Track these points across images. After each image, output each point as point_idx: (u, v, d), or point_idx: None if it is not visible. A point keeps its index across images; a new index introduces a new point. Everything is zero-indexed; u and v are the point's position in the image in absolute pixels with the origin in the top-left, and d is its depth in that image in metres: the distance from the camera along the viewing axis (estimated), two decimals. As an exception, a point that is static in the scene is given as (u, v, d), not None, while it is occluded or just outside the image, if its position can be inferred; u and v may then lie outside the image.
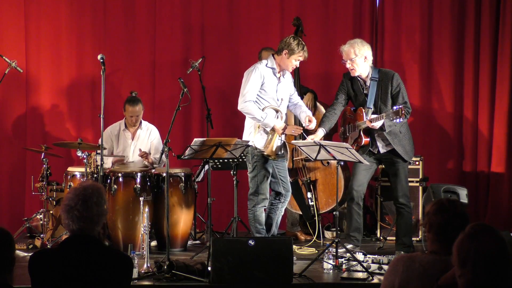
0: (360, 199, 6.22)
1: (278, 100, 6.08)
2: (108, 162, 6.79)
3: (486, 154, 7.78)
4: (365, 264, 5.42)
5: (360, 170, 6.19)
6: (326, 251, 5.60)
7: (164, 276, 5.21)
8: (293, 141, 6.65)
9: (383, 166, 6.61)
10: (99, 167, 6.13)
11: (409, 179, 6.59)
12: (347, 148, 5.67)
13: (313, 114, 6.97)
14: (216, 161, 6.67)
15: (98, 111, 6.59)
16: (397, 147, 6.12)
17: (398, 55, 7.90)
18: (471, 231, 2.70)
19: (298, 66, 6.12)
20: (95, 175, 6.22)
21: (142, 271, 5.35)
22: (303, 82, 7.13)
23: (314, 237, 6.82)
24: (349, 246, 6.03)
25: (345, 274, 5.38)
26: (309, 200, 6.92)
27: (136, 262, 5.16)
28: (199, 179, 6.80)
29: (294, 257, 5.47)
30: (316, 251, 6.38)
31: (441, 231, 3.07)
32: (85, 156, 6.19)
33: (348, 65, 6.14)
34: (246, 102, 5.97)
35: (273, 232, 6.27)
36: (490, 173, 7.76)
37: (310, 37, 7.45)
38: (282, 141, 6.11)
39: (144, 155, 6.81)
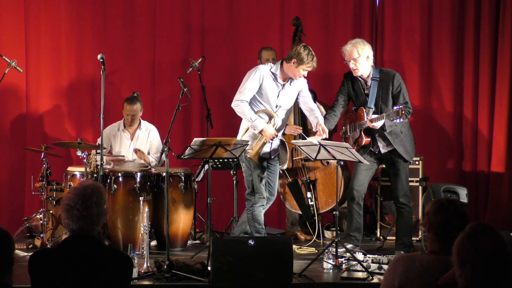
0: (360, 199, 6.23)
1: (276, 106, 6.05)
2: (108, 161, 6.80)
3: (486, 154, 7.78)
4: (365, 264, 5.42)
5: (361, 170, 6.19)
6: (326, 250, 5.60)
7: (164, 275, 5.21)
8: (293, 141, 6.66)
9: (384, 166, 6.61)
10: (99, 167, 6.13)
11: (409, 178, 6.59)
12: (347, 148, 5.67)
13: (313, 114, 6.98)
14: (216, 160, 6.67)
15: (98, 111, 6.59)
16: (398, 147, 6.12)
17: (398, 55, 7.90)
18: (470, 231, 2.70)
19: (306, 75, 6.05)
20: (95, 175, 6.22)
21: (142, 271, 5.35)
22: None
23: (314, 237, 6.82)
24: (349, 246, 6.03)
25: (345, 274, 5.38)
26: (309, 200, 6.92)
27: (136, 261, 5.16)
28: (199, 178, 6.81)
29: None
30: (316, 250, 6.38)
31: (440, 231, 3.08)
32: (85, 156, 6.19)
33: (351, 65, 6.13)
34: (239, 101, 5.97)
35: (248, 230, 6.29)
36: (490, 173, 7.76)
37: (309, 36, 7.45)
38: (273, 147, 6.13)
39: (139, 153, 6.80)
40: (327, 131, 6.05)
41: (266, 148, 6.07)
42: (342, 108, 6.36)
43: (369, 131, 6.14)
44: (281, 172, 7.02)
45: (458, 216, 3.08)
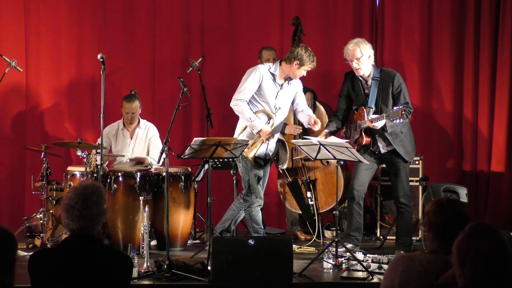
0: (361, 198, 6.22)
1: (275, 107, 6.14)
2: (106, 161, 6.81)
3: (486, 154, 7.78)
4: (365, 264, 5.42)
5: (361, 169, 6.19)
6: (326, 250, 5.60)
7: (164, 275, 5.21)
8: (293, 141, 6.66)
9: (384, 166, 6.61)
10: (99, 167, 6.13)
11: (409, 178, 6.59)
12: (347, 147, 5.67)
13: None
14: (216, 160, 6.68)
15: (98, 110, 6.59)
16: (398, 147, 6.12)
17: (398, 54, 7.89)
18: (470, 230, 2.70)
19: (305, 75, 6.20)
20: (95, 175, 6.22)
21: (142, 271, 5.35)
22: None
23: (314, 237, 6.82)
24: (349, 246, 6.02)
25: (345, 274, 5.38)
26: (309, 200, 6.92)
27: (136, 261, 5.16)
28: (199, 178, 6.80)
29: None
30: (316, 250, 6.38)
31: (440, 231, 3.08)
32: (85, 156, 6.19)
33: (354, 65, 6.11)
34: (238, 100, 6.05)
35: (231, 228, 6.33)
36: (490, 173, 7.76)
37: (309, 36, 7.45)
38: (270, 147, 6.17)
39: (136, 160, 6.79)
40: (319, 121, 6.20)
41: (262, 149, 6.11)
42: (344, 111, 6.34)
43: (370, 131, 6.14)
44: (281, 171, 7.03)
45: (458, 215, 3.08)
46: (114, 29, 7.77)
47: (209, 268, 5.12)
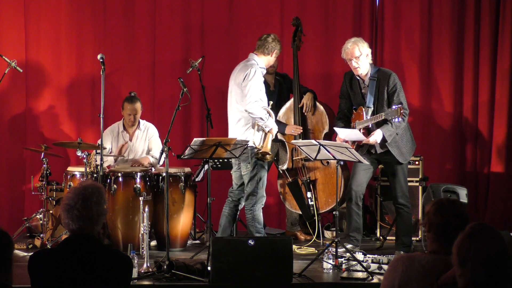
0: (359, 199, 6.21)
1: (268, 103, 6.24)
2: (109, 161, 6.80)
3: (485, 154, 7.78)
4: (364, 264, 5.42)
5: (359, 170, 6.18)
6: (326, 250, 5.60)
7: (164, 276, 5.21)
8: (293, 141, 6.66)
9: (383, 166, 6.61)
10: (99, 167, 6.12)
11: (409, 178, 6.59)
12: (347, 148, 5.67)
13: (313, 114, 7.00)
14: (216, 160, 6.68)
15: (98, 111, 6.59)
16: (392, 149, 6.10)
17: (397, 55, 7.89)
18: (470, 231, 2.70)
19: None
20: (95, 175, 6.22)
21: (142, 271, 5.35)
22: (302, 82, 7.13)
23: (314, 237, 6.82)
24: (349, 246, 6.02)
25: (344, 274, 5.38)
26: (309, 200, 6.92)
27: (135, 261, 5.16)
28: (199, 178, 6.80)
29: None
30: (316, 250, 6.38)
31: (440, 231, 3.08)
32: (84, 156, 6.19)
33: (353, 64, 6.11)
34: (255, 103, 6.07)
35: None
36: (490, 173, 7.76)
37: (309, 37, 7.46)
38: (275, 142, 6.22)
39: (136, 163, 6.78)
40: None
41: (271, 142, 6.21)
42: (347, 112, 6.32)
43: (368, 131, 6.13)
44: (281, 172, 7.03)
45: (458, 216, 3.08)
46: (114, 29, 7.77)
47: (209, 268, 5.12)
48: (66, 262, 3.06)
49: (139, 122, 7.00)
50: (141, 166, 6.70)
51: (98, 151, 6.18)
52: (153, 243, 6.60)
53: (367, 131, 6.14)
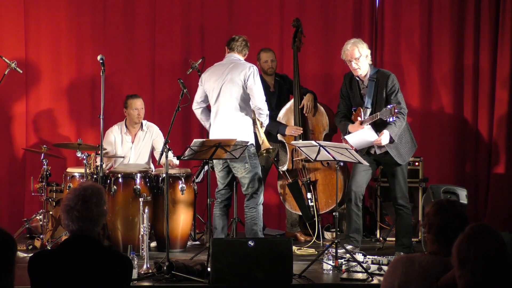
0: (358, 200, 6.21)
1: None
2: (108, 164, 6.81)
3: (485, 155, 7.78)
4: (364, 265, 5.42)
5: (359, 171, 6.18)
6: (326, 251, 5.60)
7: (164, 276, 5.21)
8: (293, 142, 6.66)
9: (383, 167, 6.61)
10: (98, 168, 6.12)
11: (409, 180, 6.59)
12: (347, 148, 5.67)
13: (313, 115, 7.00)
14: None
15: (97, 111, 6.59)
16: (390, 149, 6.10)
17: (397, 55, 7.89)
18: (470, 232, 2.70)
19: None
20: (95, 176, 6.22)
21: (142, 272, 5.35)
22: (302, 83, 7.13)
23: (314, 238, 6.82)
24: (349, 247, 6.02)
25: (344, 275, 5.38)
26: (309, 201, 6.91)
27: (135, 262, 5.16)
28: (198, 179, 6.80)
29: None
30: (316, 251, 6.38)
31: (440, 232, 3.07)
32: (84, 157, 6.19)
33: (353, 65, 6.09)
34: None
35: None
36: (490, 174, 7.76)
37: (309, 38, 7.46)
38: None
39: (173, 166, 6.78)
40: None
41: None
42: (346, 112, 6.31)
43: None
44: (281, 173, 7.03)
45: (458, 217, 3.08)
46: (114, 30, 7.77)
47: (209, 269, 5.12)
48: (66, 263, 3.06)
49: (141, 122, 7.01)
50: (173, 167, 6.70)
51: (98, 152, 6.18)
52: (153, 244, 6.60)
53: None
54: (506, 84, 7.69)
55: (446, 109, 7.86)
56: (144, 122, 7.05)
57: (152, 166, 6.98)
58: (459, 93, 7.85)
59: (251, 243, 5.07)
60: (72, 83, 7.73)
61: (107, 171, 6.42)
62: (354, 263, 5.50)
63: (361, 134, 6.01)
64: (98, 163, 6.14)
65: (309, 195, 6.92)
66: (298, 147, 6.20)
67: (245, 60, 6.31)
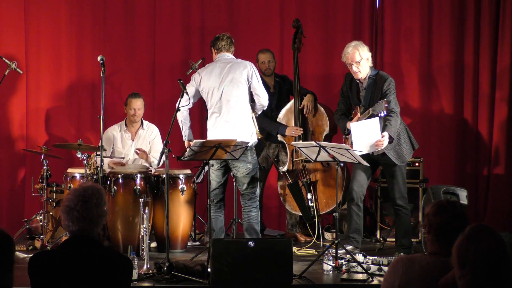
0: (360, 200, 6.22)
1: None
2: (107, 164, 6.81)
3: (485, 155, 7.78)
4: (365, 266, 5.42)
5: (360, 171, 6.19)
6: (326, 252, 5.60)
7: (164, 277, 5.22)
8: (293, 142, 6.66)
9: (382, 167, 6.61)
10: (99, 168, 6.12)
11: (409, 180, 6.59)
12: (347, 149, 5.67)
13: (314, 116, 7.00)
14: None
15: (98, 112, 6.59)
16: (388, 151, 6.10)
17: (397, 56, 7.90)
18: (470, 232, 2.70)
19: None
20: (95, 176, 6.22)
21: (142, 272, 5.35)
22: (302, 84, 7.13)
23: (314, 238, 6.82)
24: (349, 247, 6.02)
25: (345, 276, 5.38)
26: (309, 201, 6.92)
27: (135, 263, 5.16)
28: (199, 180, 6.80)
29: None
30: (316, 252, 6.37)
31: (440, 232, 3.07)
32: (85, 158, 6.19)
33: (354, 69, 6.09)
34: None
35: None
36: (490, 175, 7.75)
37: (309, 38, 7.46)
38: None
39: (141, 153, 6.80)
40: None
41: None
42: (345, 111, 6.32)
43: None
44: (281, 173, 7.03)
45: (458, 217, 3.08)
46: (114, 31, 7.78)
47: (209, 270, 5.12)
48: (66, 264, 3.06)
49: (142, 122, 7.01)
50: (143, 156, 6.69)
51: (99, 152, 6.18)
52: (153, 244, 6.60)
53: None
54: (506, 84, 7.69)
55: (446, 109, 7.86)
56: (146, 122, 7.06)
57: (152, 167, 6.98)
58: (459, 94, 7.85)
59: (251, 243, 5.07)
60: (72, 83, 7.73)
61: (107, 172, 6.41)
62: (354, 264, 5.49)
63: (366, 124, 5.98)
64: (98, 163, 6.13)
65: (309, 196, 6.92)
66: (298, 147, 6.20)
67: (245, 60, 6.32)
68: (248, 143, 5.99)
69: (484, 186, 7.79)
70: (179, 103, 5.81)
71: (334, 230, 6.28)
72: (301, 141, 6.74)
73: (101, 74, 6.17)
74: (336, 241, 5.60)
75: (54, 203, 6.65)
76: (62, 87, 7.72)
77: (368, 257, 5.56)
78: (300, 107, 6.94)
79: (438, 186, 6.75)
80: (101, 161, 6.11)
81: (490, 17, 7.72)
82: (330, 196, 6.90)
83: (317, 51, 7.85)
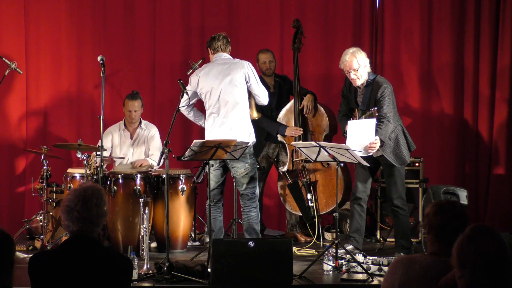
0: (363, 200, 6.22)
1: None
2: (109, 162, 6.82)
3: (486, 155, 7.78)
4: (365, 266, 5.42)
5: (363, 170, 6.20)
6: (326, 252, 5.60)
7: (164, 277, 5.22)
8: (293, 142, 6.66)
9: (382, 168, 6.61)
10: (99, 169, 6.13)
11: (409, 180, 6.58)
12: (347, 149, 5.67)
13: (314, 116, 7.00)
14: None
15: (98, 112, 6.59)
16: (386, 154, 6.09)
17: (397, 56, 7.89)
18: (470, 232, 2.70)
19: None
20: (95, 177, 6.22)
21: (142, 273, 5.35)
22: (302, 84, 7.13)
23: (314, 239, 6.82)
24: (349, 247, 6.02)
25: (345, 276, 5.38)
26: (309, 202, 6.91)
27: (136, 263, 5.16)
28: (199, 180, 6.80)
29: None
30: (316, 252, 6.38)
31: (440, 232, 3.07)
32: (85, 158, 6.19)
33: (352, 76, 6.07)
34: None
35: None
36: (490, 175, 7.75)
37: (309, 39, 7.46)
38: None
39: (138, 163, 6.78)
40: None
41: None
42: (347, 112, 6.32)
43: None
44: (281, 173, 7.03)
45: (458, 217, 3.08)
46: (114, 31, 7.78)
47: (209, 270, 5.12)
48: (66, 264, 3.07)
49: (140, 121, 7.01)
50: (142, 166, 6.70)
51: (98, 152, 6.18)
52: (153, 244, 6.60)
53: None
54: (506, 85, 7.69)
55: (446, 109, 7.86)
56: (144, 122, 7.05)
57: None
58: (459, 94, 7.85)
59: (251, 243, 5.07)
60: (72, 83, 7.73)
61: (107, 172, 6.41)
62: (354, 264, 5.50)
63: (363, 123, 6.00)
64: (99, 163, 6.13)
65: (309, 196, 6.92)
66: (298, 147, 6.20)
67: (245, 60, 6.31)
68: (248, 143, 5.99)
69: (484, 186, 7.79)
70: (180, 104, 5.82)
71: (334, 230, 6.28)
72: (301, 141, 6.74)
73: (101, 74, 6.17)
74: (336, 241, 5.60)
75: (54, 203, 6.65)
76: (62, 87, 7.72)
77: (368, 257, 5.56)
78: (300, 107, 6.94)
79: (438, 186, 6.75)
80: (101, 161, 6.11)
81: (490, 17, 7.72)
82: (330, 196, 6.90)
83: (317, 51, 7.85)
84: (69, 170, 6.66)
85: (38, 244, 6.46)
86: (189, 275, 5.16)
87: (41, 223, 6.61)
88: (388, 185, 6.24)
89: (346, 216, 7.17)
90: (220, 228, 6.23)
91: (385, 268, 5.28)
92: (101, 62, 6.16)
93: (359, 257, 5.58)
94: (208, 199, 5.88)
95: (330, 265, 5.54)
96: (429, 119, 7.87)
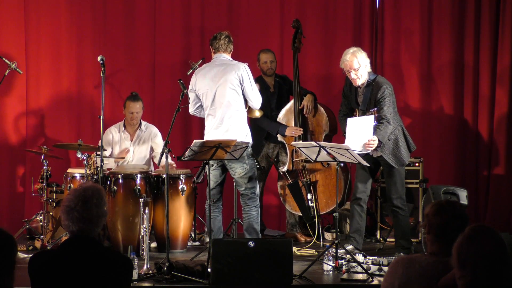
0: (363, 201, 6.22)
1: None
2: (111, 162, 6.81)
3: (486, 156, 7.78)
4: (365, 266, 5.42)
5: (363, 171, 6.20)
6: (326, 252, 5.60)
7: (164, 277, 5.22)
8: (293, 142, 6.66)
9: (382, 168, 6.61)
10: (99, 169, 6.13)
11: (409, 180, 6.58)
12: (347, 149, 5.67)
13: (314, 116, 7.00)
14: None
15: (98, 112, 6.59)
16: (385, 154, 6.10)
17: (397, 57, 7.90)
18: (470, 232, 2.70)
19: None
20: (95, 177, 6.22)
21: (142, 273, 5.35)
22: (302, 84, 7.13)
23: (314, 239, 6.82)
24: (349, 247, 6.03)
25: (345, 276, 5.38)
26: (309, 202, 6.92)
27: (136, 263, 5.16)
28: (199, 180, 6.80)
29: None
30: (316, 252, 6.38)
31: (440, 232, 3.07)
32: (85, 158, 6.19)
33: (352, 76, 6.06)
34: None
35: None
36: (490, 175, 7.76)
37: (309, 39, 7.46)
38: None
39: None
40: None
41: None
42: (348, 111, 6.32)
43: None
44: (281, 173, 7.03)
45: (458, 217, 3.08)
46: (114, 31, 7.78)
47: (209, 270, 5.12)
48: (66, 264, 3.07)
49: (140, 123, 7.01)
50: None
51: (99, 152, 6.18)
52: (153, 244, 6.60)
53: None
54: (506, 85, 7.69)
55: (446, 109, 7.86)
56: (144, 123, 7.06)
57: (152, 167, 6.98)
58: (459, 94, 7.85)
59: (251, 243, 5.07)
60: (72, 83, 7.73)
61: (107, 172, 6.41)
62: (354, 264, 5.50)
63: (362, 120, 6.00)
64: (99, 163, 6.14)
65: (309, 196, 6.92)
66: (298, 147, 6.20)
67: (245, 60, 6.29)
68: (248, 143, 5.99)
69: (484, 186, 7.79)
70: (180, 103, 5.82)
71: (334, 230, 6.28)
72: (301, 141, 6.74)
73: (101, 74, 6.17)
74: (336, 241, 5.60)
75: (54, 203, 6.65)
76: (62, 87, 7.72)
77: (368, 257, 5.57)
78: (300, 107, 6.94)
79: (438, 186, 6.74)
80: (101, 161, 6.11)
81: (490, 17, 7.72)
82: (330, 196, 6.90)
83: (317, 51, 7.85)
84: (69, 170, 6.66)
85: (38, 244, 6.46)
86: (189, 275, 5.16)
87: (41, 223, 6.61)
88: (388, 185, 6.25)
89: (346, 216, 7.17)
90: (219, 228, 6.23)
91: (385, 268, 5.28)
92: (101, 62, 6.16)
93: (359, 257, 5.58)
94: (208, 199, 5.88)
95: (330, 265, 5.54)
96: (429, 119, 7.87)
